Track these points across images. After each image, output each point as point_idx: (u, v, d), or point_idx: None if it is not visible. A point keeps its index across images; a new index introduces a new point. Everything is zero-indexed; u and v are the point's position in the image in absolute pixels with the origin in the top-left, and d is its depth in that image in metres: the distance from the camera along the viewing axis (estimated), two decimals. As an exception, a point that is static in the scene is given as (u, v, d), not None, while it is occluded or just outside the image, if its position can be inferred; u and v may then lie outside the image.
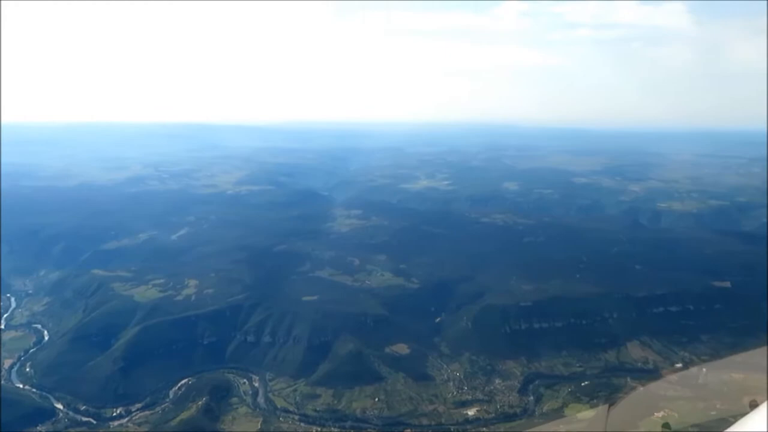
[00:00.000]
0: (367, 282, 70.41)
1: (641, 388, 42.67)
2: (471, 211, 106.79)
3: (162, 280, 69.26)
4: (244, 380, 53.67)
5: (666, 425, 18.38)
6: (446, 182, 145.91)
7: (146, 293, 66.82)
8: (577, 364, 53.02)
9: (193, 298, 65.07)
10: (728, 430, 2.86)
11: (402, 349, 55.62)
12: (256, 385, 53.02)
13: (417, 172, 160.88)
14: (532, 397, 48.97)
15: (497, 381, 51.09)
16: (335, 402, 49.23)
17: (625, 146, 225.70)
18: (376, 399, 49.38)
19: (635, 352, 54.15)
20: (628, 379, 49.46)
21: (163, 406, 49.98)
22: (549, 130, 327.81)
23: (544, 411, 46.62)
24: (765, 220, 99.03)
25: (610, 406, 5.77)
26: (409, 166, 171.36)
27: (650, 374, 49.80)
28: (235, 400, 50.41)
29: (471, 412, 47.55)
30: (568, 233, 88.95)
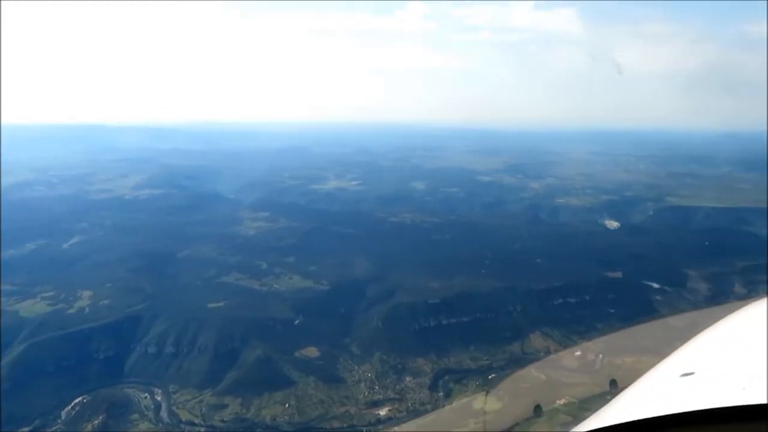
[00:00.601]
0: (275, 286, 68.28)
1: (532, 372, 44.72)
2: (380, 210, 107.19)
3: (52, 293, 63.58)
4: (146, 395, 49.93)
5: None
6: (355, 182, 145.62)
7: (34, 307, 61.14)
8: (485, 358, 54.23)
9: (87, 310, 60.27)
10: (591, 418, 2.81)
11: (312, 352, 54.57)
12: (159, 398, 49.47)
13: (326, 172, 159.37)
14: (441, 393, 49.37)
15: (408, 379, 51.12)
16: (243, 411, 47.24)
17: (526, 145, 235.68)
18: (287, 405, 47.87)
19: (537, 342, 56.55)
20: (532, 370, 51.44)
21: (54, 428, 45.74)
22: (456, 130, 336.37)
23: (453, 405, 47.58)
24: (650, 212, 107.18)
25: (487, 393, 5.72)
26: (318, 166, 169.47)
27: (551, 363, 52.04)
28: (135, 416, 47.00)
29: (383, 412, 47.29)
30: (473, 230, 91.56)
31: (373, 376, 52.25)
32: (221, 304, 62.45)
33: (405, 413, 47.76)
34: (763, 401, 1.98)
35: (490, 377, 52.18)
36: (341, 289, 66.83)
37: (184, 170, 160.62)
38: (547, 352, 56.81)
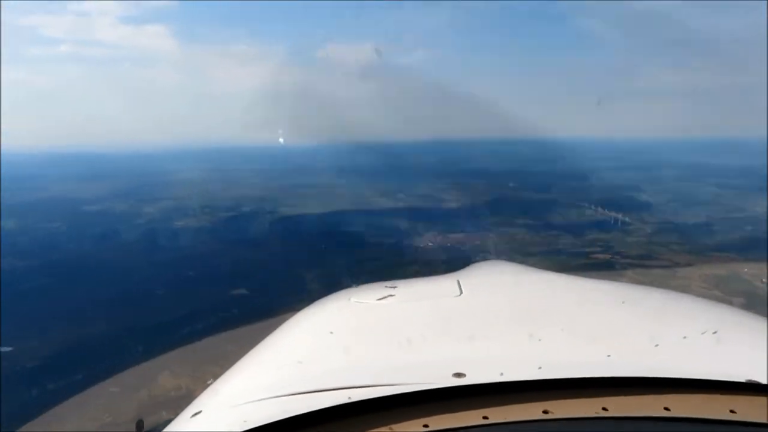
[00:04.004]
0: None
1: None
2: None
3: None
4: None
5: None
6: None
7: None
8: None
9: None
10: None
11: None
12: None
13: None
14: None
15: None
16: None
17: (135, 167, 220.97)
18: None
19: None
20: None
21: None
22: (46, 155, 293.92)
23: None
24: (267, 224, 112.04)
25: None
26: None
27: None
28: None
29: None
30: (82, 269, 79.65)
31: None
32: None
33: None
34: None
35: None
36: None
37: None
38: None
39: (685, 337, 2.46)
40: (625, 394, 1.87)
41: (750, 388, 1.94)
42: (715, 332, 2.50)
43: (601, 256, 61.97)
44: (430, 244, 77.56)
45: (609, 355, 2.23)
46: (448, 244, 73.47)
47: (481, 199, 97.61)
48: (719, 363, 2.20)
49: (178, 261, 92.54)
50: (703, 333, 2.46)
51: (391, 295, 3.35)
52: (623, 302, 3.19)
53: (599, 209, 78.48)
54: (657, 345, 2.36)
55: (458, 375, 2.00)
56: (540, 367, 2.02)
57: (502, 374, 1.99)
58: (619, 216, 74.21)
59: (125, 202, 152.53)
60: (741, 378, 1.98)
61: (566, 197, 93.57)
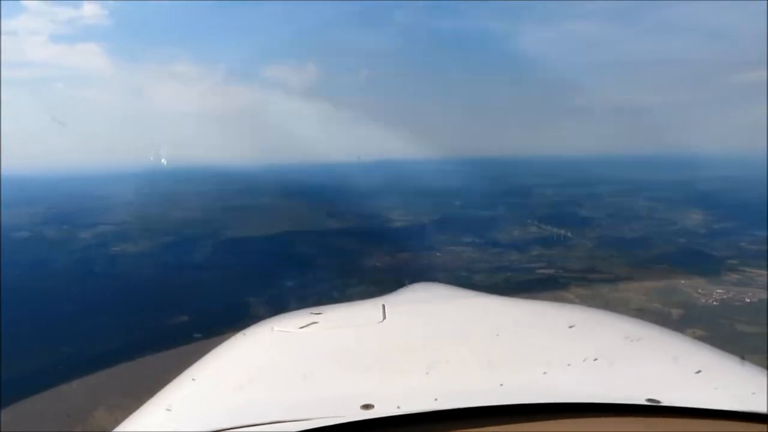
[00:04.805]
0: None
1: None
2: None
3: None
4: None
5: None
6: None
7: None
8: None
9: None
10: None
11: None
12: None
13: None
14: None
15: None
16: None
17: (66, 191, 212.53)
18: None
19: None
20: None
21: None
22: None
23: None
24: (210, 248, 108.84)
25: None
26: None
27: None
28: None
29: None
30: (10, 301, 74.99)
31: None
32: None
33: None
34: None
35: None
36: None
37: None
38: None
39: (584, 360, 2.41)
40: (517, 422, 1.85)
41: (649, 410, 1.87)
42: (618, 349, 2.55)
43: (546, 271, 63.12)
44: (377, 264, 77.14)
45: (501, 384, 2.18)
46: (396, 264, 73.31)
47: (429, 218, 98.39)
48: (619, 384, 2.17)
49: (114, 288, 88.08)
50: (595, 359, 2.41)
51: (314, 323, 3.31)
52: (535, 325, 3.22)
53: (542, 225, 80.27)
54: (550, 369, 2.32)
55: (366, 407, 1.97)
56: (436, 399, 2.00)
57: (398, 407, 1.95)
58: (562, 231, 76.07)
59: (58, 227, 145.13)
60: (640, 399, 1.91)
61: (510, 214, 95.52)
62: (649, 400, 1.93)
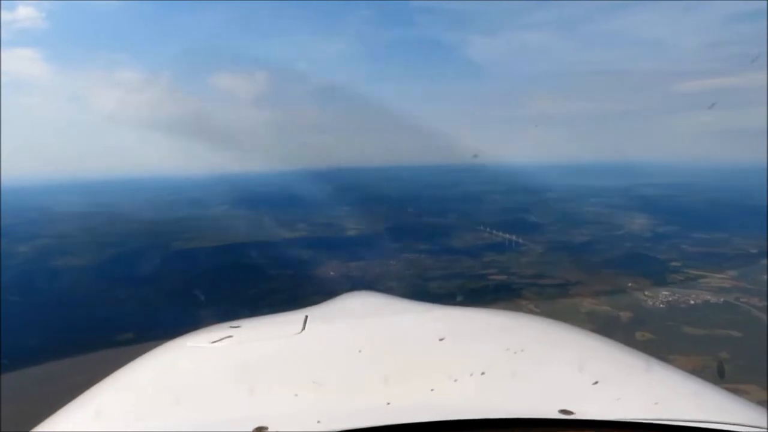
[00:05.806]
0: None
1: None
2: None
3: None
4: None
5: None
6: None
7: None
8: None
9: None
10: None
11: None
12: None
13: None
14: None
15: None
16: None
17: (10, 203, 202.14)
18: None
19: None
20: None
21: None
22: None
23: None
24: (158, 260, 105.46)
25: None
26: None
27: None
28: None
29: None
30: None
31: None
32: None
33: None
34: None
35: None
36: None
37: None
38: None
39: (484, 372, 2.28)
40: None
41: (562, 423, 1.77)
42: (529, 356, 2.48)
43: (498, 277, 63.71)
44: (331, 273, 76.38)
45: (388, 403, 2.05)
46: (350, 273, 72.78)
47: (382, 226, 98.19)
48: (533, 396, 2.07)
49: (56, 304, 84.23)
50: (486, 372, 2.29)
51: (229, 336, 3.17)
52: (446, 336, 2.98)
53: (494, 231, 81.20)
54: (446, 382, 2.19)
55: (260, 429, 1.87)
56: (319, 421, 1.92)
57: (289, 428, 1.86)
58: (513, 237, 77.09)
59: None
60: (551, 412, 1.80)
61: (462, 221, 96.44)
62: (561, 411, 1.81)
